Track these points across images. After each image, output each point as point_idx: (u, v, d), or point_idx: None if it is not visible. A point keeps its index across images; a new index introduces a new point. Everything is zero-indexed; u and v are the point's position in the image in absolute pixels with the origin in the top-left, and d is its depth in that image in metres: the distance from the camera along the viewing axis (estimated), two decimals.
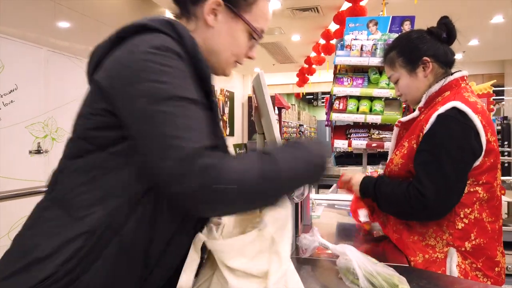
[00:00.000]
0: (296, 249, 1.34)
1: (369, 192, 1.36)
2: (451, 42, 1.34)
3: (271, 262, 0.73)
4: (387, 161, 1.44)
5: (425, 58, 1.31)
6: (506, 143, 8.75)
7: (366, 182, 1.38)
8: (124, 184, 0.71)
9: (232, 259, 0.71)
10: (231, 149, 1.46)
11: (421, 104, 1.33)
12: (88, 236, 0.69)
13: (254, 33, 0.84)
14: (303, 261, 1.23)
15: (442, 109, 1.19)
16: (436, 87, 1.30)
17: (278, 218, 0.77)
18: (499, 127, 9.18)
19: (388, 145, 1.98)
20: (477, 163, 1.19)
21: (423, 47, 1.32)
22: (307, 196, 1.66)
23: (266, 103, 1.11)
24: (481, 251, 1.21)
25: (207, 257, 0.82)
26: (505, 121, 9.10)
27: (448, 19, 1.33)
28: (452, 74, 1.31)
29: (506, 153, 8.54)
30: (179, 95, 0.66)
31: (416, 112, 1.36)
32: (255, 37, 0.86)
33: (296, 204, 1.46)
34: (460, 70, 1.32)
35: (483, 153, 1.18)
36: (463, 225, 1.20)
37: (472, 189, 1.20)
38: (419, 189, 1.17)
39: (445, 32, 1.32)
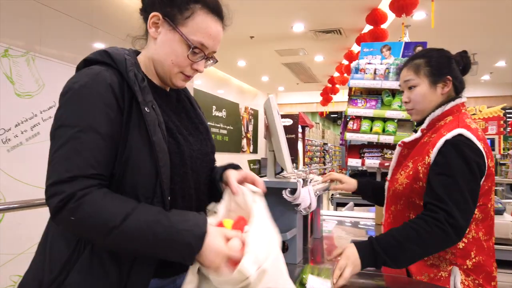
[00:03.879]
0: (305, 258, 1.44)
1: (373, 254, 1.18)
2: (463, 74, 1.43)
3: None
4: (389, 177, 1.51)
5: (449, 77, 1.37)
6: None
7: (363, 247, 1.20)
8: None
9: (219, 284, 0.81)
10: (245, 164, 1.58)
11: (423, 126, 1.40)
12: (67, 245, 0.83)
13: (190, 44, 0.91)
14: None
15: (449, 135, 1.25)
16: (438, 111, 1.36)
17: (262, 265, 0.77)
18: None
19: None
20: None
21: (452, 66, 1.39)
22: (317, 210, 1.77)
23: (275, 124, 1.25)
24: (481, 268, 1.27)
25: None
26: None
27: (466, 54, 1.41)
28: (453, 100, 1.38)
29: None
30: (75, 124, 0.80)
31: (418, 133, 1.41)
32: (195, 50, 0.92)
33: (305, 217, 1.57)
34: (460, 97, 1.40)
35: (484, 177, 1.25)
36: (463, 244, 1.26)
37: None
38: (444, 208, 1.18)
39: (462, 64, 1.41)
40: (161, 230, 0.77)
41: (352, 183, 1.73)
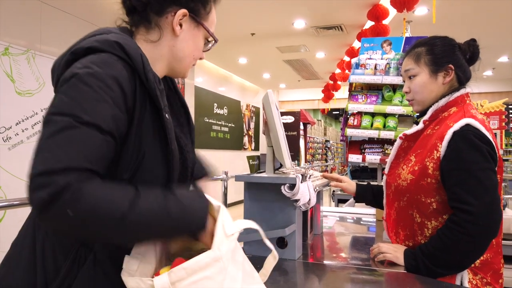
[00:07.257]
0: (305, 254, 1.44)
1: (418, 263, 1.24)
2: (471, 64, 1.37)
3: None
4: (387, 171, 1.47)
5: (450, 65, 1.32)
6: None
7: (410, 255, 1.29)
8: None
9: None
10: (246, 161, 1.57)
11: (426, 117, 1.34)
12: (65, 255, 0.77)
13: (211, 37, 0.94)
14: (312, 266, 1.32)
15: (456, 126, 1.21)
16: (442, 101, 1.32)
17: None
18: None
19: None
20: None
21: (455, 55, 1.33)
22: (317, 206, 1.76)
23: (274, 119, 1.24)
24: (489, 265, 1.25)
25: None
26: None
27: (475, 42, 1.36)
28: (458, 90, 1.34)
29: None
30: (75, 114, 0.68)
31: (420, 125, 1.36)
32: (210, 40, 0.95)
33: (305, 213, 1.56)
34: (465, 87, 1.35)
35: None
36: None
37: None
38: (464, 209, 1.15)
39: (469, 53, 1.35)
40: (173, 206, 0.73)
41: (351, 184, 1.70)
